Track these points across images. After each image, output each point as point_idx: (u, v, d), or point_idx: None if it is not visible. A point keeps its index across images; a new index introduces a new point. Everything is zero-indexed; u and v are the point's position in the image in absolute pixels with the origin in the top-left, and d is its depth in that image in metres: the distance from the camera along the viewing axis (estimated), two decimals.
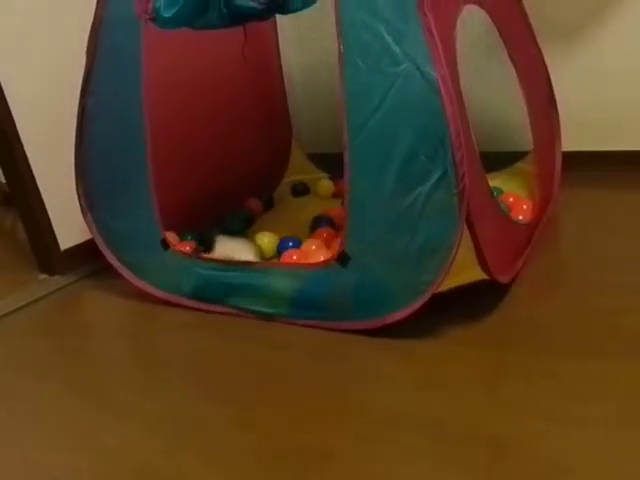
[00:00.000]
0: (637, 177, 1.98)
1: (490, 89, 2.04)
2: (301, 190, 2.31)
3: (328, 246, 1.58)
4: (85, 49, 1.54)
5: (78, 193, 1.70)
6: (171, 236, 1.64)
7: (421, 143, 1.17)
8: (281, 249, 1.70)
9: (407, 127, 1.18)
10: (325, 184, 2.24)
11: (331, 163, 2.09)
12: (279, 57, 2.27)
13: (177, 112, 1.80)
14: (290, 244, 1.70)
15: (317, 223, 1.84)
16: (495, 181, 1.86)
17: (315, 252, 1.55)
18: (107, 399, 1.29)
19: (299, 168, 2.43)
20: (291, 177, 2.42)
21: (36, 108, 1.83)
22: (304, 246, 1.64)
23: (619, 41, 2.01)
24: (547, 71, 1.86)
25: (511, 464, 0.94)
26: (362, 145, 1.24)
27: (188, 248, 1.68)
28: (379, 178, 1.24)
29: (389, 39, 1.14)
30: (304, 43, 2.43)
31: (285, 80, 2.33)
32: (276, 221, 2.07)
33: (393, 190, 1.23)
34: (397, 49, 1.14)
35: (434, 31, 1.11)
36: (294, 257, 1.59)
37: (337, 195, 2.07)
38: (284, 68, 2.32)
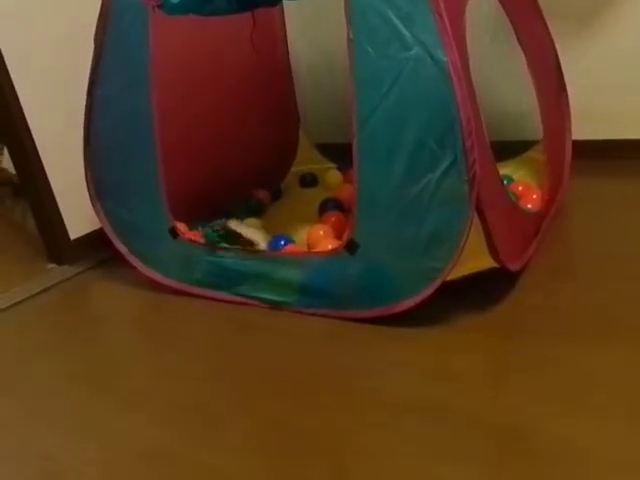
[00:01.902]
0: None
1: (499, 76, 2.03)
2: (310, 181, 2.30)
3: (336, 231, 1.57)
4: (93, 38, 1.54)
5: (87, 182, 1.70)
6: (181, 226, 1.64)
7: (431, 129, 1.16)
8: (274, 247, 1.63)
9: (417, 113, 1.17)
10: (333, 174, 2.23)
11: (339, 153, 2.08)
12: (286, 46, 2.26)
13: (185, 102, 1.80)
14: (282, 243, 1.62)
15: (325, 206, 1.83)
16: (505, 169, 1.85)
17: (323, 238, 1.54)
18: (116, 386, 1.30)
19: (307, 158, 2.42)
20: (299, 167, 2.41)
21: (45, 99, 1.84)
22: (311, 231, 1.63)
23: (632, 28, 1.98)
24: (557, 57, 1.84)
25: (521, 452, 0.94)
26: (371, 132, 1.23)
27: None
28: (388, 165, 1.23)
29: (399, 23, 1.13)
30: (312, 30, 2.41)
31: (292, 69, 2.32)
32: (284, 211, 2.07)
33: (402, 178, 1.22)
34: (407, 33, 1.13)
35: (444, 15, 1.10)
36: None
37: None
38: (291, 56, 2.30)
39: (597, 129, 2.07)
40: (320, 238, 1.57)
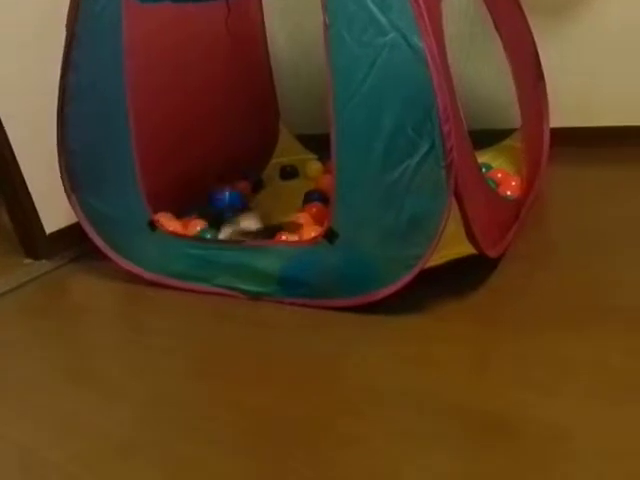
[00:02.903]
0: (624, 152, 1.99)
1: (477, 65, 2.03)
2: (290, 173, 2.29)
3: (317, 221, 1.56)
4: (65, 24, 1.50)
5: (61, 174, 1.67)
6: (164, 216, 1.61)
7: (408, 115, 1.15)
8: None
9: (394, 99, 1.16)
10: (314, 165, 2.22)
11: (319, 144, 2.07)
12: (265, 36, 2.24)
13: (162, 93, 1.77)
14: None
15: (309, 198, 1.81)
16: (483, 157, 1.86)
17: (304, 226, 1.53)
18: (96, 381, 1.28)
19: (287, 149, 2.41)
20: (279, 159, 2.39)
21: (18, 91, 1.79)
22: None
23: (608, 17, 2.00)
24: (535, 46, 1.85)
25: (504, 438, 0.94)
26: (349, 119, 1.23)
27: (199, 228, 1.66)
28: (366, 153, 1.22)
29: (375, 9, 1.12)
30: (290, 20, 2.39)
31: (271, 59, 2.30)
32: (265, 203, 2.05)
33: (380, 164, 1.21)
34: (383, 19, 1.12)
35: (420, 1, 1.09)
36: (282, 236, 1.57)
37: None
38: (270, 47, 2.28)
39: (573, 117, 2.09)
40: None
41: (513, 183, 1.69)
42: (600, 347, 1.11)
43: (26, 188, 1.85)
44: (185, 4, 1.33)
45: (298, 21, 2.35)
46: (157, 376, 1.26)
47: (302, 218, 1.62)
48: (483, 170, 1.77)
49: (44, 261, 1.89)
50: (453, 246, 1.29)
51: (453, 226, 1.22)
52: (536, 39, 1.86)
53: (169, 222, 1.64)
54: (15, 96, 1.79)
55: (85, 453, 1.06)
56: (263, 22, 2.21)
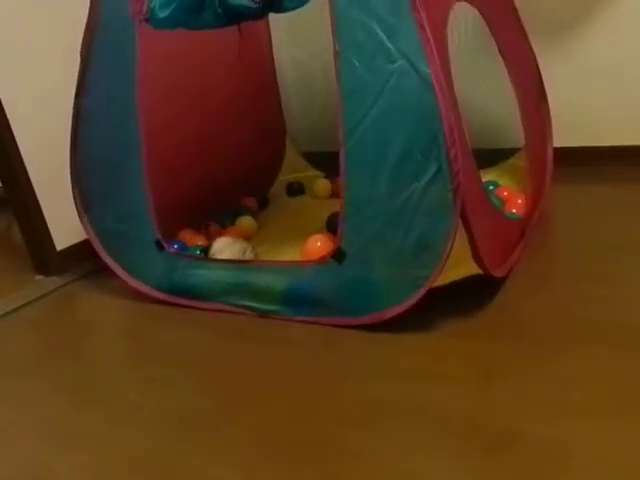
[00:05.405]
0: (626, 172, 2.01)
1: (482, 86, 2.06)
2: (296, 189, 2.32)
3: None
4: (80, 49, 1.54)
5: (74, 195, 1.70)
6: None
7: (416, 140, 1.18)
8: None
9: (402, 124, 1.19)
10: (322, 184, 2.23)
11: (325, 162, 2.10)
12: (272, 55, 2.28)
13: (172, 112, 1.80)
14: (175, 247, 1.70)
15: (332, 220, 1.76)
16: (490, 175, 1.88)
17: (319, 249, 1.52)
18: (104, 397, 1.29)
19: (294, 167, 2.44)
20: (286, 176, 2.42)
21: (31, 109, 1.83)
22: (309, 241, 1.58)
23: (610, 38, 2.03)
24: (538, 67, 1.88)
25: (509, 454, 0.95)
26: (358, 143, 1.25)
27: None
28: (374, 175, 1.25)
29: (383, 36, 1.15)
30: (297, 41, 2.43)
31: (278, 78, 2.34)
32: (272, 220, 2.08)
33: (389, 187, 1.24)
34: (391, 46, 1.15)
35: (427, 28, 1.12)
36: None
37: (335, 195, 2.03)
38: (277, 66, 2.32)
39: (577, 137, 2.11)
40: (317, 249, 1.53)
41: (519, 201, 1.70)
42: (602, 364, 1.13)
43: (38, 205, 1.88)
44: (198, 31, 1.37)
45: (305, 43, 2.40)
46: (164, 392, 1.28)
47: (319, 240, 1.56)
48: (490, 187, 1.80)
49: (55, 277, 1.92)
50: (459, 266, 1.31)
51: (459, 247, 1.24)
52: (539, 61, 1.89)
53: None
54: (29, 115, 1.83)
55: (94, 467, 1.08)
56: (271, 44, 2.25)
